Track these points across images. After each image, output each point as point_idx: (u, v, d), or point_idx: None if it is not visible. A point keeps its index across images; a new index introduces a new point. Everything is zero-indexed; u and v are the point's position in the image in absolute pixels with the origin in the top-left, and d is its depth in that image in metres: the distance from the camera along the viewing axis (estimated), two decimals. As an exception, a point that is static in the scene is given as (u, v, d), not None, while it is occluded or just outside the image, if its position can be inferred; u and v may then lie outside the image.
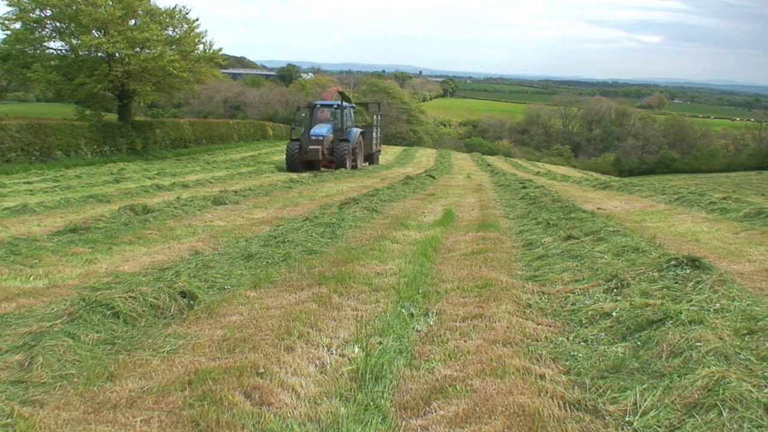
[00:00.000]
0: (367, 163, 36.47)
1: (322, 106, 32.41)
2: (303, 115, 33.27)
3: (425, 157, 50.95)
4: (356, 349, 5.11)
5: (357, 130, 32.56)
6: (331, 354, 5.06)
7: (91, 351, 4.98)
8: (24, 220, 12.65)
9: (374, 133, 36.79)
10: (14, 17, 31.16)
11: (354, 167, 31.39)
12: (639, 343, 4.92)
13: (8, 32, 31.30)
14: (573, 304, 6.23)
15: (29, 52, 31.96)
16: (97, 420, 3.94)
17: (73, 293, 6.78)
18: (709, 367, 4.10)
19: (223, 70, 54.94)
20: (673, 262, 6.99)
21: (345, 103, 32.57)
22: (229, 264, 8.06)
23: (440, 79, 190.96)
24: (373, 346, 5.13)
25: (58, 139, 28.63)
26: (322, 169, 29.92)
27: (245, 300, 6.57)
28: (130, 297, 5.92)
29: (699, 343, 4.52)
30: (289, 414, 4.02)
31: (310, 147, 29.38)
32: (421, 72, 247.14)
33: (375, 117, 38.09)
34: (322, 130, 29.84)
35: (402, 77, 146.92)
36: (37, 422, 3.82)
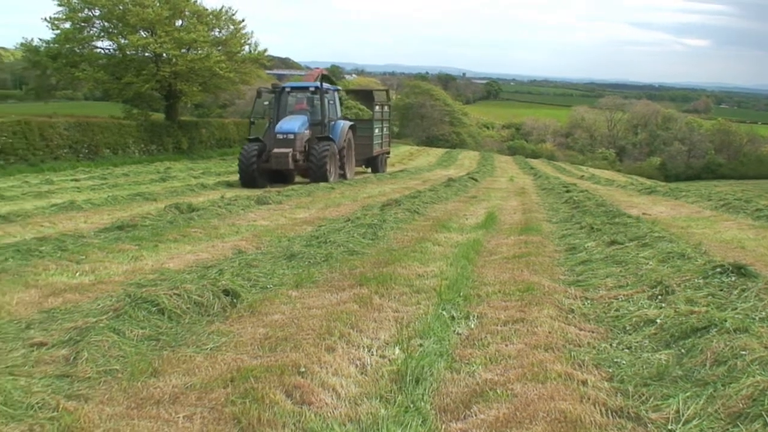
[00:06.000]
0: (369, 171, 29.72)
1: (294, 90, 23.81)
2: (266, 103, 24.22)
3: (468, 159, 50.75)
4: (397, 351, 5.11)
5: (345, 124, 24.21)
6: (372, 355, 5.07)
7: (136, 347, 5.05)
8: (71, 217, 12.88)
9: (378, 130, 29.34)
10: (64, 17, 31.73)
11: (342, 177, 23.38)
12: (683, 350, 4.85)
13: (58, 32, 31.90)
14: (616, 310, 6.16)
15: (78, 51, 32.50)
16: (140, 415, 3.99)
17: (119, 289, 6.88)
18: (753, 377, 4.03)
19: (268, 71, 55.34)
20: (718, 269, 6.88)
21: (327, 85, 24.12)
22: (271, 263, 8.12)
23: (484, 81, 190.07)
24: (413, 348, 5.13)
25: (105, 137, 29.08)
26: (296, 181, 22.50)
27: (287, 299, 6.61)
28: (174, 294, 5.99)
29: (744, 352, 4.45)
30: (329, 414, 4.04)
31: (276, 150, 21.14)
32: (464, 74, 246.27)
33: (380, 108, 30.25)
34: (293, 124, 21.80)
35: (445, 79, 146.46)
36: (81, 416, 3.88)
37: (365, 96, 31.73)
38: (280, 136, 21.39)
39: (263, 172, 21.41)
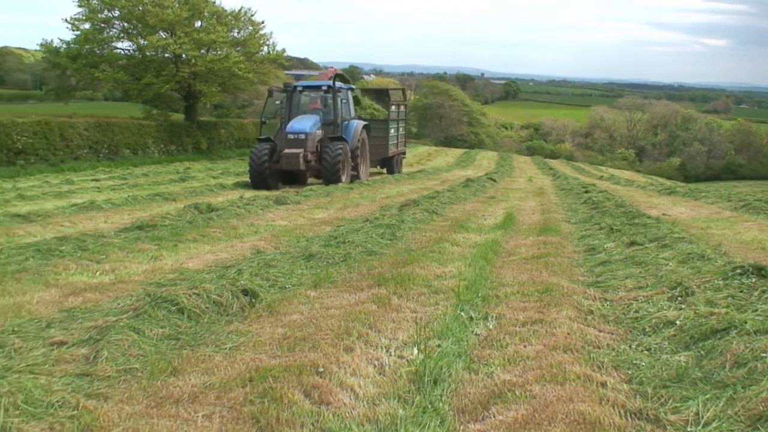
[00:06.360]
0: (384, 171, 29.18)
1: (306, 89, 23.44)
2: (278, 102, 23.40)
3: (486, 159, 50.64)
4: (415, 351, 5.11)
5: (358, 124, 23.54)
6: (390, 355, 5.07)
7: (155, 346, 5.08)
8: (91, 217, 12.99)
9: (393, 130, 28.79)
10: (84, 18, 32.00)
11: (355, 178, 22.55)
12: (703, 352, 4.81)
13: (77, 32, 32.14)
14: (636, 311, 6.12)
15: (98, 52, 32.77)
16: (159, 414, 4.01)
17: (139, 289, 6.92)
18: (775, 379, 4.00)
19: (287, 71, 55.48)
20: (738, 271, 6.81)
21: (340, 84, 23.47)
22: (290, 263, 8.14)
23: (502, 81, 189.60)
24: (431, 349, 5.12)
25: (125, 137, 29.28)
26: (309, 182, 21.89)
27: (305, 299, 6.63)
28: (194, 294, 6.02)
29: (764, 354, 4.41)
30: (347, 414, 4.04)
31: (286, 151, 20.59)
32: (483, 74, 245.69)
33: (395, 108, 29.59)
34: (304, 124, 21.22)
35: (464, 79, 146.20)
36: (101, 415, 3.90)
37: (381, 95, 31.17)
38: (291, 136, 20.82)
39: (274, 173, 20.93)
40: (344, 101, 23.05)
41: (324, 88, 22.81)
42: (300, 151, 20.45)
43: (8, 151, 23.26)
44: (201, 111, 40.57)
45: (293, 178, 21.69)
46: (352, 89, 25.26)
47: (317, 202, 16.03)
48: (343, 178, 21.19)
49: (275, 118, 23.56)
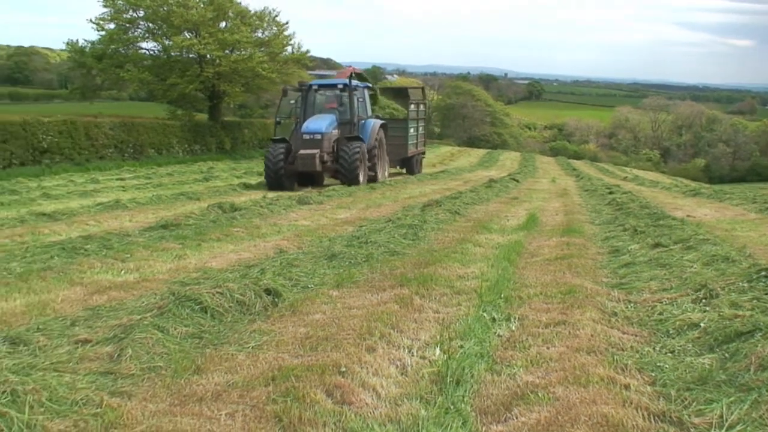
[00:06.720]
0: (404, 171, 28.62)
1: (321, 87, 22.73)
2: (292, 102, 22.86)
3: (509, 160, 50.49)
4: (437, 352, 5.10)
5: (375, 123, 22.78)
6: (412, 356, 5.07)
7: (179, 344, 5.11)
8: (116, 216, 13.09)
9: (413, 130, 28.06)
10: (109, 18, 32.28)
11: (372, 179, 21.90)
12: (727, 355, 4.77)
13: (103, 32, 32.41)
14: (660, 313, 6.07)
15: (123, 52, 33.05)
16: (182, 412, 4.04)
17: (163, 287, 6.97)
18: (800, 382, 3.96)
19: (310, 72, 55.66)
20: (763, 273, 6.74)
21: (356, 82, 22.70)
22: (312, 263, 8.15)
23: (526, 82, 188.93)
24: (454, 350, 5.11)
25: (150, 137, 29.51)
26: (325, 184, 21.30)
27: (328, 299, 6.64)
28: (217, 293, 6.05)
29: (790, 357, 4.37)
30: (369, 414, 4.05)
31: (302, 152, 19.90)
32: (506, 74, 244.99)
33: (415, 107, 28.88)
34: (320, 124, 20.54)
35: (487, 79, 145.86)
36: (124, 413, 3.94)
37: (400, 94, 30.59)
38: (307, 137, 20.18)
39: (290, 174, 20.34)
40: (361, 100, 22.44)
41: (340, 86, 22.16)
42: (316, 151, 19.82)
43: (34, 150, 23.48)
44: (225, 111, 40.76)
45: (309, 179, 21.10)
46: (368, 87, 24.62)
47: (340, 202, 16.06)
48: (361, 178, 20.64)
49: (290, 118, 22.98)
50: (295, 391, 4.22)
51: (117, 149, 27.49)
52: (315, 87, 22.48)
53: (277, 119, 23.08)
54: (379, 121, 23.32)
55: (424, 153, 31.74)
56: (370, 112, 23.62)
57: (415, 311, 6.23)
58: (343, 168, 20.35)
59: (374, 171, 22.24)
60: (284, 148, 20.33)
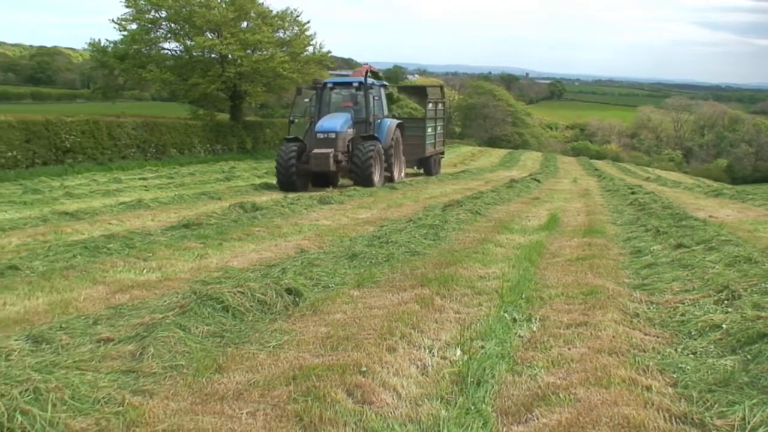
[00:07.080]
0: (421, 172, 27.82)
1: (336, 86, 22.11)
2: (307, 100, 22.36)
3: (530, 160, 50.29)
4: (458, 352, 5.10)
5: (392, 122, 22.24)
6: (433, 356, 5.06)
7: (201, 343, 5.13)
8: (139, 215, 13.17)
9: (431, 129, 27.26)
10: (131, 18, 32.44)
11: (389, 180, 21.38)
12: (749, 356, 4.73)
13: (125, 33, 32.61)
14: (682, 314, 6.04)
15: (145, 52, 33.19)
16: (204, 411, 4.06)
17: (185, 287, 7.00)
18: (823, 385, 3.92)
19: (331, 72, 55.80)
20: (787, 274, 6.70)
21: (372, 80, 21.68)
22: (333, 263, 8.16)
23: (547, 81, 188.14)
24: (475, 350, 5.11)
25: (172, 137, 29.63)
26: (339, 184, 20.73)
27: (349, 299, 6.64)
28: (238, 292, 6.07)
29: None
30: (390, 414, 4.05)
31: (316, 151, 19.28)
32: (527, 74, 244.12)
33: (433, 106, 28.07)
34: (334, 123, 19.90)
35: (508, 79, 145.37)
36: (146, 411, 3.96)
37: (418, 93, 29.86)
38: (321, 136, 19.50)
39: (303, 174, 19.73)
40: (377, 98, 21.67)
41: (355, 84, 21.53)
42: (330, 151, 19.18)
43: (57, 150, 23.63)
44: (246, 111, 40.86)
45: (324, 179, 20.53)
46: (384, 86, 23.95)
47: (361, 202, 16.07)
48: (376, 179, 19.93)
49: (304, 116, 22.44)
50: (316, 391, 4.23)
51: (139, 149, 27.63)
52: (330, 85, 21.97)
53: (291, 118, 22.56)
54: (396, 121, 22.89)
55: (443, 153, 31.15)
56: (386, 111, 23.09)
57: (436, 311, 6.22)
58: (356, 167, 19.71)
59: (390, 171, 21.66)
60: (296, 147, 19.82)
